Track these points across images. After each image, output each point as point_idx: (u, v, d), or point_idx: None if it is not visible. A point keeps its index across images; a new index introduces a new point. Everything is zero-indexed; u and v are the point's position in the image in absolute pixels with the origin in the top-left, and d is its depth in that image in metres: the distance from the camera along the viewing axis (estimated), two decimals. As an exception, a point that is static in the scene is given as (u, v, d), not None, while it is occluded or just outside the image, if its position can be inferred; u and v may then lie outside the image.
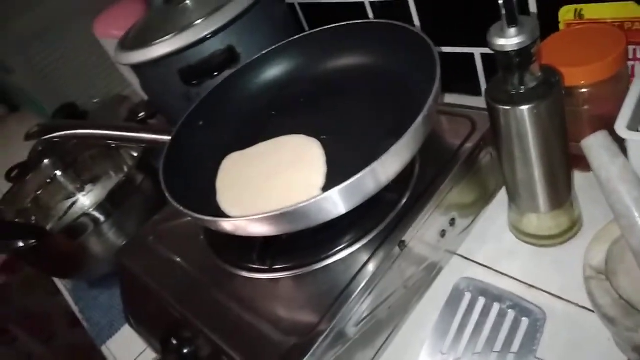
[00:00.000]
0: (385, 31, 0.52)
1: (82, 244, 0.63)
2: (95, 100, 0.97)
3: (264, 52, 0.61)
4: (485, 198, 0.52)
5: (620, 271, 0.38)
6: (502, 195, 0.52)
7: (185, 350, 0.47)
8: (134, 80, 1.00)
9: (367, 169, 0.39)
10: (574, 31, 0.49)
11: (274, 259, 0.46)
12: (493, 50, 0.37)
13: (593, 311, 0.40)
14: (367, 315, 0.42)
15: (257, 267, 0.46)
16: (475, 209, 0.51)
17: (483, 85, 0.65)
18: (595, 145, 0.37)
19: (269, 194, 0.49)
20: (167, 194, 0.45)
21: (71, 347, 1.19)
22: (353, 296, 0.41)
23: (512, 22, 0.35)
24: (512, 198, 0.47)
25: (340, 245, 0.45)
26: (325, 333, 0.39)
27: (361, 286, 0.41)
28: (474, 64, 0.64)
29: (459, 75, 0.66)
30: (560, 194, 0.44)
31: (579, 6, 0.50)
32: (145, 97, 0.99)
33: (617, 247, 0.38)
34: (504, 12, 0.35)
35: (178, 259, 0.52)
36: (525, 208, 0.46)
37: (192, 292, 0.48)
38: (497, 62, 0.39)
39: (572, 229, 0.47)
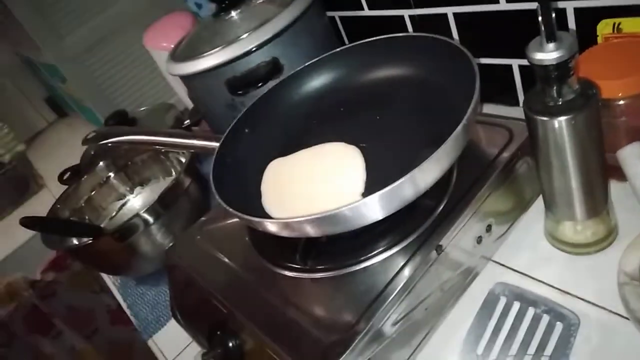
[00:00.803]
0: (425, 44, 0.54)
1: (132, 243, 0.67)
2: (143, 108, 1.02)
3: (306, 64, 0.64)
4: (521, 206, 0.53)
5: (655, 279, 0.38)
6: (538, 204, 0.53)
7: (230, 344, 0.50)
8: (179, 89, 1.05)
9: (407, 176, 0.41)
10: (612, 44, 0.50)
11: (315, 260, 0.48)
12: (532, 64, 0.39)
13: (627, 318, 0.41)
14: (404, 316, 0.44)
15: (299, 267, 0.49)
16: (511, 217, 0.52)
17: (521, 96, 0.66)
18: (630, 155, 0.38)
19: (311, 198, 0.51)
20: (217, 196, 0.49)
21: (112, 342, 1.24)
22: (391, 297, 0.43)
23: (550, 38, 0.37)
24: (549, 206, 0.48)
25: (379, 248, 0.47)
26: (364, 331, 0.41)
27: (399, 288, 0.43)
28: (512, 75, 0.65)
29: (498, 86, 0.67)
30: (597, 203, 0.45)
31: (617, 20, 0.51)
32: (190, 106, 1.04)
33: (652, 255, 0.39)
34: (542, 28, 0.37)
35: (224, 258, 0.55)
36: (562, 216, 0.47)
37: (238, 289, 0.51)
38: (535, 75, 0.40)
39: (608, 237, 0.47)
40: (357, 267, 0.46)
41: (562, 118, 0.40)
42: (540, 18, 0.36)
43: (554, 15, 0.36)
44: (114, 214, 0.82)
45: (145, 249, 0.68)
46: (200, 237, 0.60)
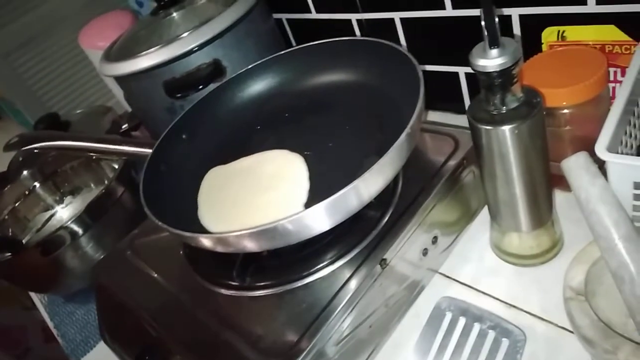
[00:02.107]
0: (371, 49, 0.53)
1: (58, 258, 0.62)
2: (78, 111, 0.95)
3: (249, 66, 0.61)
4: (467, 216, 0.52)
5: (598, 292, 0.38)
6: (484, 214, 0.52)
7: (161, 369, 0.46)
8: (117, 91, 0.99)
9: (350, 186, 0.39)
10: (556, 52, 0.50)
11: (253, 276, 0.45)
12: (475, 70, 0.38)
13: (572, 332, 0.40)
14: (348, 334, 0.41)
15: (236, 284, 0.45)
16: (457, 227, 0.51)
17: (467, 104, 0.66)
18: (575, 166, 0.37)
19: (251, 210, 0.48)
20: (145, 208, 0.45)
21: (47, 362, 1.16)
22: (334, 315, 0.40)
23: (494, 43, 0.35)
24: (494, 217, 0.47)
25: (322, 262, 0.44)
26: (304, 352, 0.38)
27: (342, 305, 0.41)
28: (458, 83, 0.64)
29: (444, 94, 0.66)
30: (542, 214, 0.45)
31: (561, 28, 0.51)
32: (129, 109, 0.99)
33: (596, 268, 0.38)
34: (486, 33, 0.35)
35: (156, 275, 0.51)
36: (507, 227, 0.46)
37: (170, 310, 0.47)
38: (479, 82, 0.39)
39: (553, 249, 0.47)
40: (299, 284, 0.43)
41: (506, 127, 0.38)
42: (483, 23, 0.35)
43: (497, 20, 0.35)
44: (40, 226, 0.76)
45: (72, 265, 0.63)
46: (130, 252, 0.55)
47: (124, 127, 0.86)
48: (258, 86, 0.61)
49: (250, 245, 0.41)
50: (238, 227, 0.45)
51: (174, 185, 0.53)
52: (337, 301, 0.41)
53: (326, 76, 0.57)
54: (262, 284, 0.45)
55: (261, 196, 0.49)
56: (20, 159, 0.79)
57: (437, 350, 0.41)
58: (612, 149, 0.37)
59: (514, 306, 0.45)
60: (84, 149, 0.58)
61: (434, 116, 0.69)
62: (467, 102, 0.66)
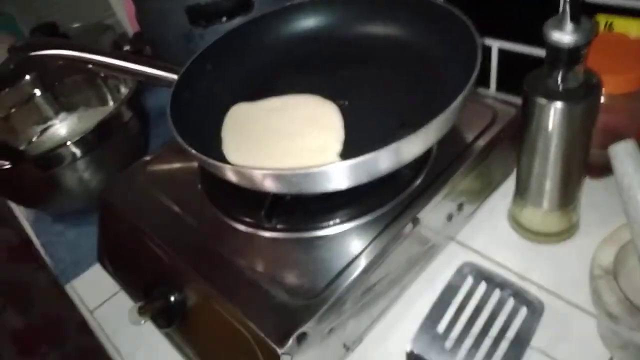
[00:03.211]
0: (425, 6, 0.51)
1: (55, 175, 0.58)
2: (75, 25, 0.89)
3: (286, 4, 0.58)
4: (491, 187, 0.53)
5: (621, 274, 0.39)
6: (505, 187, 0.53)
7: (172, 298, 0.45)
8: (119, 9, 0.94)
9: (389, 148, 0.37)
10: (605, 38, 0.50)
11: (282, 218, 0.44)
12: (546, 42, 0.37)
13: (582, 309, 0.42)
14: (371, 287, 0.42)
15: (261, 223, 0.44)
16: (481, 196, 0.52)
17: (493, 81, 0.66)
18: (622, 152, 0.38)
19: (279, 152, 0.47)
20: (175, 133, 0.43)
21: (6, 282, 1.12)
22: (362, 267, 0.40)
23: (575, 17, 0.35)
24: (521, 190, 0.48)
25: (350, 215, 0.44)
26: (332, 300, 0.38)
27: (371, 258, 0.41)
28: (489, 57, 0.64)
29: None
30: (569, 196, 0.46)
31: (610, 18, 0.51)
32: (129, 30, 0.93)
33: (623, 251, 0.39)
34: (567, 6, 0.35)
35: (172, 204, 0.49)
36: (532, 202, 0.47)
37: (187, 240, 0.46)
38: (546, 54, 0.39)
39: (569, 230, 0.49)
40: (329, 232, 0.43)
41: (562, 104, 0.39)
42: (567, -6, 0.34)
43: (582, -7, 0.34)
44: (34, 138, 0.71)
45: (70, 184, 0.60)
46: (143, 177, 0.53)
47: (125, 49, 0.82)
48: (294, 26, 0.58)
49: (278, 186, 0.40)
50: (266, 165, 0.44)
51: (198, 116, 0.51)
52: (366, 254, 0.41)
53: (370, 27, 0.55)
54: (289, 226, 0.44)
55: (292, 140, 0.47)
56: (11, 66, 0.74)
57: (454, 311, 0.42)
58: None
59: (527, 278, 0.46)
60: (101, 64, 0.54)
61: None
62: (493, 79, 0.65)
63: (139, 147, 0.67)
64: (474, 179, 0.48)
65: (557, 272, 0.46)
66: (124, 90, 0.68)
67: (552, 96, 0.39)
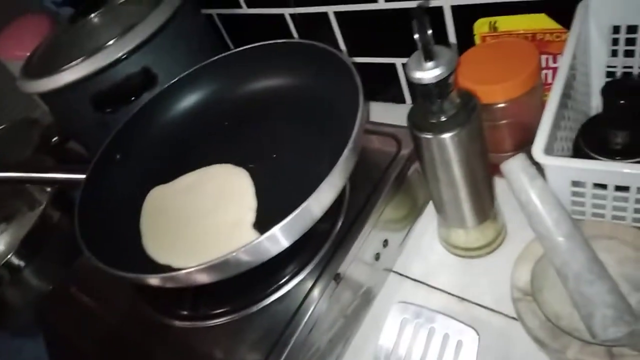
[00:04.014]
0: (307, 52, 0.51)
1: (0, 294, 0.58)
2: (1, 127, 0.88)
3: (181, 75, 0.58)
4: (415, 212, 0.52)
5: (545, 287, 0.39)
6: (431, 207, 0.53)
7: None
8: (43, 104, 0.93)
9: (302, 206, 0.38)
10: (489, 45, 0.50)
11: (208, 305, 0.44)
12: (412, 82, 0.37)
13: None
14: (310, 352, 0.41)
15: (190, 314, 0.44)
16: (406, 224, 0.51)
17: (406, 93, 0.66)
18: (513, 169, 0.38)
19: (198, 235, 0.46)
20: (84, 249, 0.42)
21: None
22: (294, 337, 0.40)
23: (428, 57, 0.35)
24: (440, 213, 0.47)
25: (276, 283, 0.43)
26: (268, 379, 0.38)
27: (301, 326, 0.40)
28: (396, 74, 0.64)
29: (383, 85, 0.66)
30: (485, 209, 0.45)
31: (493, 19, 0.51)
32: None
33: (541, 264, 0.39)
34: (420, 47, 0.35)
35: (105, 311, 0.49)
36: (452, 223, 0.47)
37: (122, 346, 0.46)
38: (416, 91, 0.38)
39: (498, 238, 0.48)
40: (255, 308, 0.43)
41: (446, 135, 0.38)
42: (416, 36, 0.34)
43: (430, 32, 0.34)
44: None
45: (15, 300, 0.59)
46: (75, 287, 0.53)
47: (54, 140, 0.81)
48: (193, 95, 0.58)
49: (203, 279, 0.40)
50: (186, 256, 0.44)
51: (114, 212, 0.51)
52: (295, 322, 0.41)
53: (264, 81, 0.56)
54: (217, 312, 0.43)
55: (207, 219, 0.47)
56: None
57: (392, 353, 0.42)
58: (548, 148, 0.38)
59: (466, 299, 0.46)
60: (12, 180, 0.54)
61: (375, 107, 0.68)
62: (406, 91, 0.65)
63: (76, 245, 0.66)
64: (393, 211, 0.48)
65: (494, 286, 0.46)
66: (49, 190, 0.67)
67: (436, 129, 0.39)
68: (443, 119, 0.39)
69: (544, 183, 0.37)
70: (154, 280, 0.39)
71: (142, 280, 0.39)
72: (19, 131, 0.86)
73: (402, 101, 0.67)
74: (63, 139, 0.80)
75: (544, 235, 0.37)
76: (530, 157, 0.38)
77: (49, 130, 0.85)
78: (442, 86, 0.37)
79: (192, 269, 0.37)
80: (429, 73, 0.36)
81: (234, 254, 0.37)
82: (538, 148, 0.37)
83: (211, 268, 0.38)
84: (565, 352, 0.33)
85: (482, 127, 0.41)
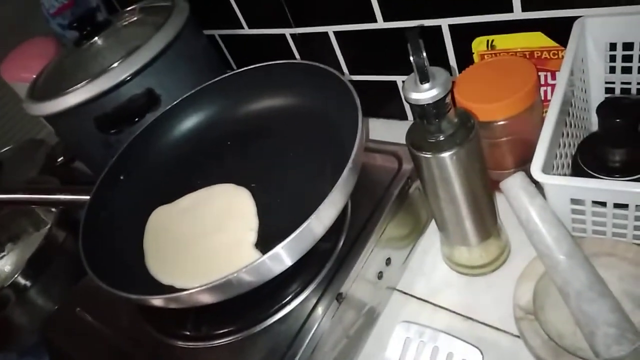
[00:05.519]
0: (308, 72, 0.52)
1: (5, 316, 0.58)
2: (6, 148, 0.89)
3: (184, 96, 0.59)
4: (418, 230, 0.52)
5: (547, 304, 0.39)
6: (434, 225, 0.53)
7: None
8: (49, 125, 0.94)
9: (303, 225, 0.38)
10: (487, 64, 0.51)
11: (210, 325, 0.44)
12: (408, 103, 0.37)
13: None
14: (313, 373, 0.41)
15: (192, 335, 0.44)
16: (409, 242, 0.51)
17: (408, 110, 0.66)
18: (513, 187, 0.38)
19: (201, 255, 0.47)
20: (88, 270, 0.43)
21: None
22: (297, 358, 0.40)
23: (424, 79, 0.35)
24: (442, 232, 0.47)
25: (279, 303, 0.43)
26: (271, 401, 0.38)
27: (303, 347, 0.40)
28: (397, 91, 0.64)
29: (384, 102, 0.67)
30: (487, 227, 0.45)
31: (490, 37, 0.52)
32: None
33: (542, 282, 0.39)
34: (415, 69, 0.35)
35: (108, 332, 0.49)
36: (455, 242, 0.47)
37: (127, 366, 0.46)
38: (413, 112, 0.39)
39: (502, 255, 0.48)
40: (258, 328, 0.43)
41: (445, 154, 0.39)
42: (411, 59, 0.35)
43: (424, 54, 0.35)
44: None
45: (21, 321, 0.60)
46: (79, 308, 0.53)
47: (59, 160, 0.82)
48: (196, 116, 0.59)
49: (206, 299, 0.40)
50: (189, 276, 0.44)
51: (118, 232, 0.51)
52: (298, 343, 0.40)
53: (266, 101, 0.56)
54: (219, 332, 0.43)
55: (209, 239, 0.48)
56: None
57: (401, 376, 0.42)
58: (547, 166, 0.38)
59: (470, 318, 0.46)
60: (16, 202, 0.54)
61: (377, 124, 0.69)
62: (407, 108, 0.66)
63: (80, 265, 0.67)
64: (395, 230, 0.48)
65: (498, 304, 0.45)
66: (54, 210, 0.68)
67: (434, 149, 0.39)
68: (441, 138, 0.39)
69: (544, 201, 0.37)
70: (156, 301, 0.39)
71: (145, 302, 0.39)
72: (26, 151, 0.87)
73: (404, 118, 0.67)
74: (68, 159, 0.81)
75: (545, 254, 0.37)
76: (530, 175, 0.38)
77: (54, 150, 0.86)
78: (439, 106, 0.37)
79: (195, 290, 0.38)
80: (425, 94, 0.36)
81: (236, 274, 0.38)
82: (536, 167, 0.37)
83: (214, 289, 0.38)
84: (568, 372, 0.33)
85: (481, 145, 0.41)
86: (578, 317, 0.36)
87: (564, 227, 0.37)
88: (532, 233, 0.37)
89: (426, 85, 0.36)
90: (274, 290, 0.44)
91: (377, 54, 0.62)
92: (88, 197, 0.52)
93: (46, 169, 0.80)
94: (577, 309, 0.35)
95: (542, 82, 0.52)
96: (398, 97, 0.65)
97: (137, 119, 0.63)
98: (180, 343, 0.44)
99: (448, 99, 0.37)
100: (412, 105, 0.38)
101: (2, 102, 0.99)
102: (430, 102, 0.36)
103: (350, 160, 0.41)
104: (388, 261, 0.48)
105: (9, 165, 0.83)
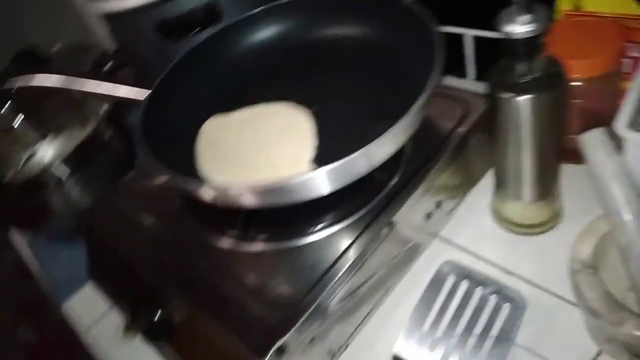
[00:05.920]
0: (385, 4, 0.50)
1: (43, 199, 0.59)
2: (56, 48, 0.89)
3: (251, 12, 0.57)
4: (471, 182, 0.52)
5: (603, 266, 0.39)
6: (486, 180, 0.53)
7: (157, 317, 0.45)
8: (99, 29, 0.93)
9: (361, 151, 0.38)
10: (572, 22, 0.49)
11: (258, 230, 0.44)
12: (501, 35, 0.36)
13: (568, 301, 0.41)
14: (351, 294, 0.42)
15: (239, 236, 0.44)
16: (461, 192, 0.51)
17: (470, 69, 0.65)
18: (592, 141, 0.37)
19: (254, 164, 0.47)
20: (148, 154, 0.43)
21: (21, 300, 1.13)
22: (339, 275, 0.40)
23: (525, 10, 0.34)
24: (499, 184, 0.47)
25: (327, 222, 0.44)
26: (310, 309, 0.38)
27: (347, 265, 0.40)
28: (461, 46, 0.63)
29: (447, 56, 0.65)
30: (547, 186, 0.45)
31: (578, -3, 0.50)
32: (109, 49, 0.93)
33: (602, 242, 0.39)
34: (517, -1, 0.34)
35: (151, 223, 0.49)
36: (511, 195, 0.46)
37: (167, 259, 0.46)
38: (503, 48, 0.38)
39: (553, 220, 0.48)
40: (304, 241, 0.43)
41: (527, 97, 0.38)
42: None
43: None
44: (21, 164, 0.72)
45: (57, 207, 0.60)
46: (123, 198, 0.53)
47: (109, 64, 0.82)
48: (260, 34, 0.58)
49: (253, 201, 0.40)
50: (241, 180, 0.44)
51: (171, 133, 0.51)
52: (342, 261, 0.41)
53: (335, 28, 0.55)
54: (265, 238, 0.44)
55: (265, 151, 0.47)
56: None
57: (437, 311, 0.42)
58: (633, 122, 0.37)
59: (512, 272, 0.46)
60: (71, 88, 0.54)
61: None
62: (470, 67, 0.64)
63: (124, 164, 0.67)
64: (451, 175, 0.48)
65: (542, 265, 0.45)
66: (104, 108, 0.68)
67: (516, 90, 0.38)
68: (526, 80, 0.38)
69: (621, 160, 0.37)
70: (209, 191, 0.39)
71: (198, 189, 0.39)
72: (73, 54, 0.86)
73: (463, 76, 0.66)
74: (119, 64, 0.80)
75: (613, 212, 0.36)
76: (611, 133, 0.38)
77: (102, 57, 0.86)
78: (532, 44, 0.36)
79: (244, 186, 0.38)
80: (522, 27, 0.35)
81: (286, 181, 0.38)
82: (622, 122, 0.36)
83: (261, 191, 0.39)
84: (621, 325, 0.33)
85: (565, 98, 0.40)
86: (636, 279, 0.35)
87: (637, 188, 0.36)
88: (603, 190, 0.36)
89: (525, 18, 0.35)
90: (325, 210, 0.44)
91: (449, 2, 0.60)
92: (147, 94, 0.52)
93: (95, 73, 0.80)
94: (636, 270, 0.35)
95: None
96: (461, 53, 0.64)
97: (197, 30, 0.62)
98: (225, 242, 0.45)
99: (541, 40, 0.36)
100: (504, 40, 0.37)
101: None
102: (527, 36, 0.35)
103: (424, 94, 0.40)
104: (439, 204, 0.48)
105: (56, 63, 0.83)
